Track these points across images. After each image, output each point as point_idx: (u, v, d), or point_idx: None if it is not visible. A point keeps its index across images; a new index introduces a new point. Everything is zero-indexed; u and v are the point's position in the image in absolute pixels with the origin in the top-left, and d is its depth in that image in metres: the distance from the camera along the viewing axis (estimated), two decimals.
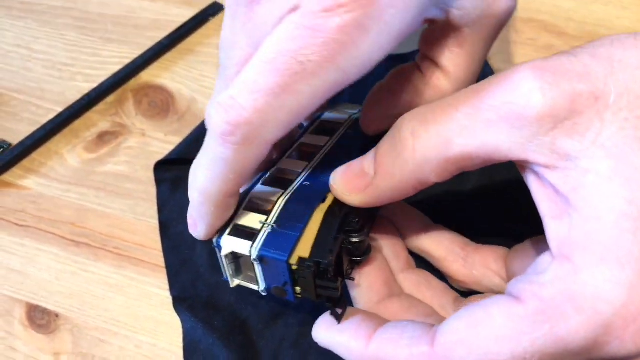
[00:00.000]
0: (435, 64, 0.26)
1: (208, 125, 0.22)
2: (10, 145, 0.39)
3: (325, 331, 0.24)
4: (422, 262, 0.29)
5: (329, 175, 0.25)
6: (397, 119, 0.23)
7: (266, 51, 0.20)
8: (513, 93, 0.19)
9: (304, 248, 0.24)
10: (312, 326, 0.25)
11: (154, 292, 0.33)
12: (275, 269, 0.24)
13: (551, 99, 0.19)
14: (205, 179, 0.23)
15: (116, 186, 0.37)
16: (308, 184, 0.26)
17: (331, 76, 0.20)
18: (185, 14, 0.45)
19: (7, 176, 0.38)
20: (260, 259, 0.24)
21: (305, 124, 0.32)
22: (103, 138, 0.39)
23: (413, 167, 0.21)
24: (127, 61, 0.43)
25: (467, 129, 0.20)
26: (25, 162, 0.38)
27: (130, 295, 0.33)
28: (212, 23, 0.45)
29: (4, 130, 0.40)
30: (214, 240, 0.25)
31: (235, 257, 0.26)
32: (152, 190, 0.36)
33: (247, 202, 0.26)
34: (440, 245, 0.28)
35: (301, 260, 0.23)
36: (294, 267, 0.23)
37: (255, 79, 0.20)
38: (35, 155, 0.39)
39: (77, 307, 0.33)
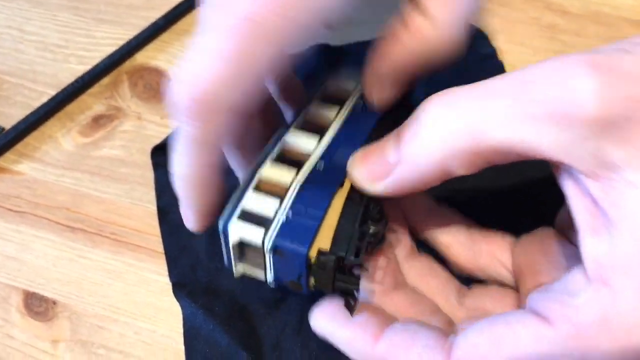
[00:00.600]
0: (418, 9, 0.23)
1: (170, 103, 0.21)
2: (3, 129, 0.38)
3: (328, 322, 0.24)
4: (423, 246, 0.29)
5: (345, 155, 0.23)
6: (393, 80, 0.22)
7: (221, 14, 0.19)
8: (564, 89, 0.18)
9: (323, 239, 0.22)
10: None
11: (152, 278, 0.32)
12: (290, 261, 0.22)
13: (606, 101, 0.17)
14: (179, 162, 0.22)
15: (112, 170, 0.36)
16: (323, 164, 0.24)
17: (292, 33, 0.19)
18: None
19: (1, 161, 0.37)
20: (275, 250, 0.22)
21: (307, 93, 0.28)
22: (98, 121, 0.39)
23: (440, 158, 0.20)
24: (121, 42, 0.42)
25: (506, 122, 0.18)
26: (19, 147, 0.38)
27: (129, 282, 0.32)
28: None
29: None
30: (220, 225, 0.23)
31: (241, 244, 0.24)
32: (149, 174, 0.36)
33: (255, 182, 0.24)
34: (445, 231, 0.27)
35: (322, 253, 0.22)
36: (313, 261, 0.22)
37: (210, 45, 0.19)
38: (29, 139, 0.38)
39: (74, 293, 0.32)
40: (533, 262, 0.24)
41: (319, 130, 0.26)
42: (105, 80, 0.40)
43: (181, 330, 0.30)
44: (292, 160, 0.25)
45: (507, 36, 0.40)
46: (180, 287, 0.31)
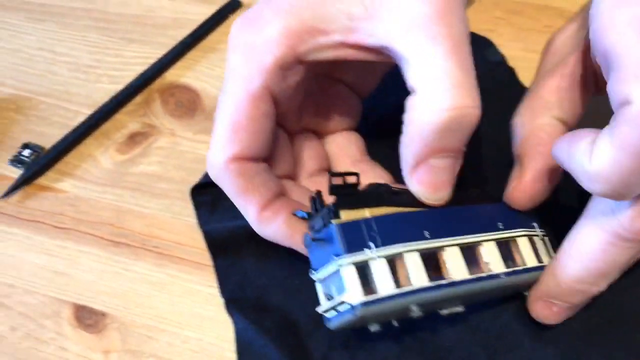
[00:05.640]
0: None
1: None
2: (43, 149, 0.40)
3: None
4: None
5: None
6: None
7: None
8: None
9: None
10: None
11: (196, 289, 0.34)
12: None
13: None
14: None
15: (150, 186, 0.38)
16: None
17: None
18: (205, 12, 0.46)
19: (43, 180, 0.39)
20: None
21: None
22: (134, 139, 0.40)
23: None
24: (150, 61, 0.43)
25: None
26: (60, 165, 0.39)
27: (174, 293, 0.34)
28: (231, 20, 0.46)
29: (36, 135, 0.41)
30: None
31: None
32: (186, 189, 0.37)
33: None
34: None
35: None
36: None
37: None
38: (68, 158, 0.40)
39: (122, 305, 0.34)
40: None
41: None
42: (138, 99, 0.42)
43: (227, 338, 0.32)
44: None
45: (522, 44, 0.42)
46: (232, 302, 0.32)
